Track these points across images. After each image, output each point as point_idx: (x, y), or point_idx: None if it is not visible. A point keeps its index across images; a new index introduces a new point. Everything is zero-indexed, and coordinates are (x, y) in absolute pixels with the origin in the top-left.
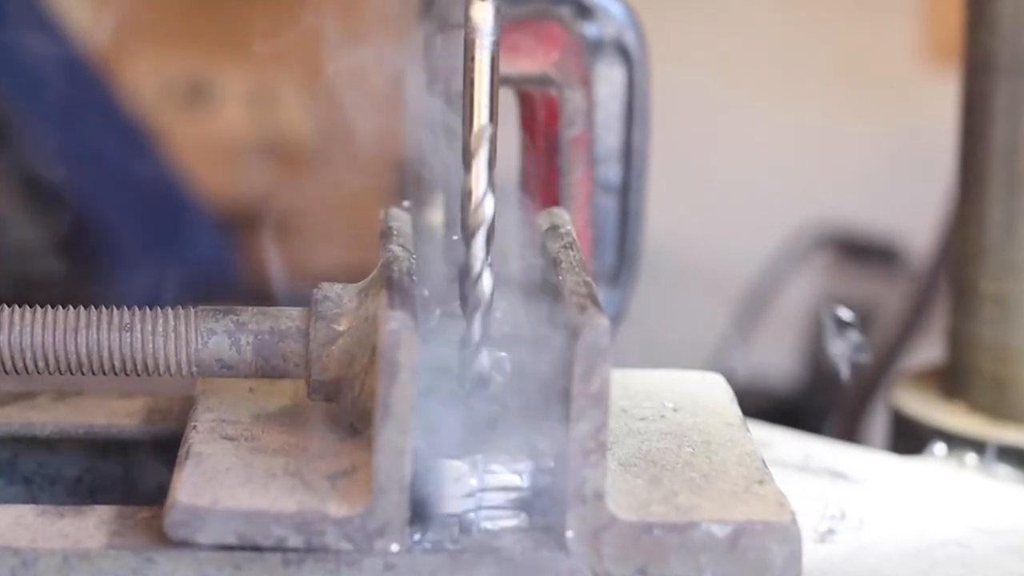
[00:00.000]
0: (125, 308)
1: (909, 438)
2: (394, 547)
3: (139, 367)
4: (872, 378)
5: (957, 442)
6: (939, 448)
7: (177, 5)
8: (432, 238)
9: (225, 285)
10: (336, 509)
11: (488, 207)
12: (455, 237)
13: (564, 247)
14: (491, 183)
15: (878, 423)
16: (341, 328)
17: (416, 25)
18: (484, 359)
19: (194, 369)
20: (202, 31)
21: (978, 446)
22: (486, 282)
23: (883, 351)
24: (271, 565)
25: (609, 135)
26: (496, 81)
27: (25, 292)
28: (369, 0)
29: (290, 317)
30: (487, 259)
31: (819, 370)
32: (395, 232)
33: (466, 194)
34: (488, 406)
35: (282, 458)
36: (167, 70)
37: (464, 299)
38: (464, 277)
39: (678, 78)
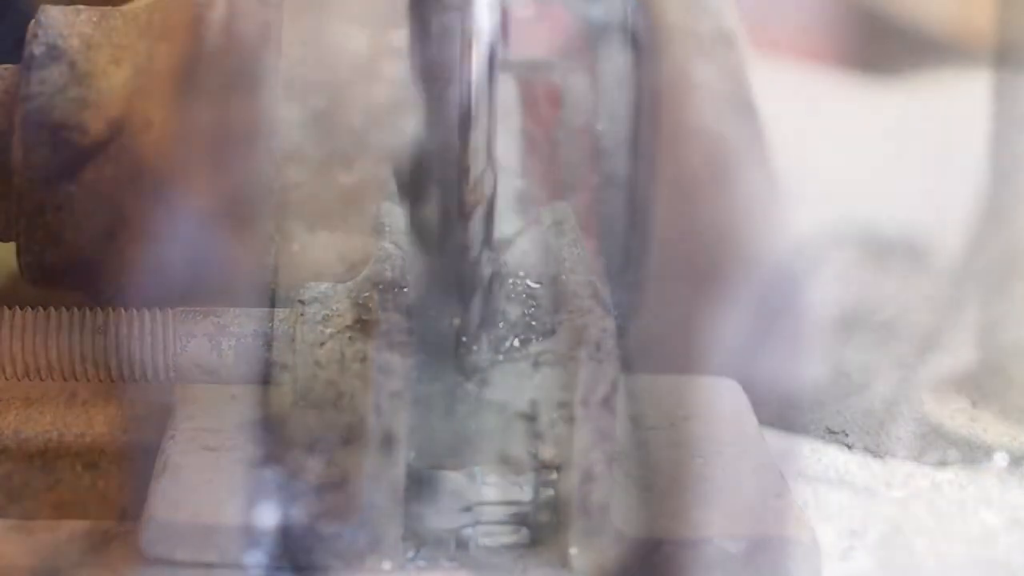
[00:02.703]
0: (99, 309)
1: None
2: (386, 565)
3: (114, 372)
4: (897, 383)
5: (986, 451)
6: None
7: None
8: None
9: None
10: (325, 524)
11: (485, 95)
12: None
13: (568, 244)
14: (493, 66)
15: (903, 431)
16: (330, 331)
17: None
18: (485, 265)
19: (172, 374)
20: None
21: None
22: (488, 180)
23: (908, 355)
24: None
25: (616, 125)
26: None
27: None
28: None
29: (276, 319)
30: (489, 160)
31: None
32: (388, 228)
33: (465, 84)
34: (487, 412)
35: (266, 470)
36: None
37: (462, 200)
38: (463, 177)
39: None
